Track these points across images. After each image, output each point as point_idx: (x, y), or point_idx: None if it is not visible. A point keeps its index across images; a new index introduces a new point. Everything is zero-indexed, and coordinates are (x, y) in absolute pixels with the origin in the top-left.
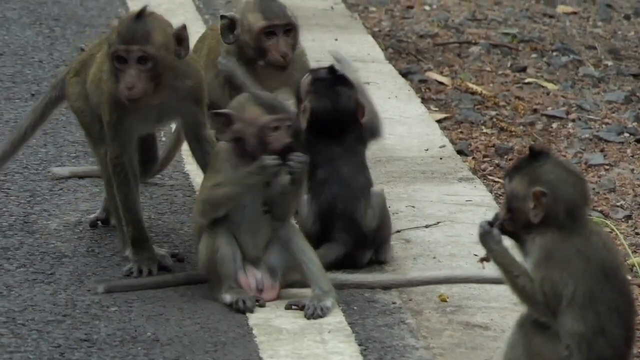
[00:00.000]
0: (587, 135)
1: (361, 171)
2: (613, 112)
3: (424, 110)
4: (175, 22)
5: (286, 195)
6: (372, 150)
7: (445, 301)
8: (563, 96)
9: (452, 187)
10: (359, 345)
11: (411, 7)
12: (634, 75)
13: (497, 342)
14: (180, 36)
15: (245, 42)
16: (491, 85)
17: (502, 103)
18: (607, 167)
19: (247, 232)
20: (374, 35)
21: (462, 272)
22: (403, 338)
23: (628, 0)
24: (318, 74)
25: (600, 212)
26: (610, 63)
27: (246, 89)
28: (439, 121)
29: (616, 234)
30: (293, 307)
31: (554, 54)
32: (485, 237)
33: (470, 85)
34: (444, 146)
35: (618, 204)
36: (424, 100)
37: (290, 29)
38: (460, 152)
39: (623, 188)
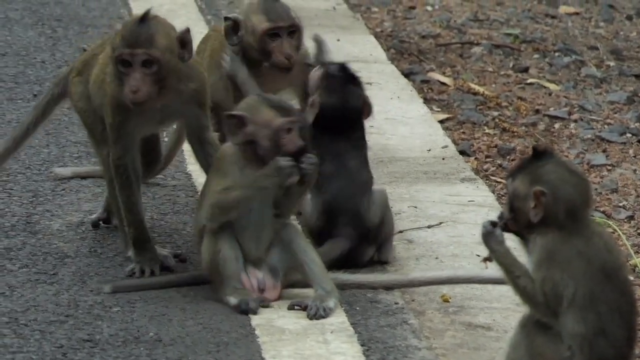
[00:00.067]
0: (589, 136)
1: (365, 167)
2: (615, 113)
3: (426, 111)
4: (178, 23)
5: (295, 196)
6: (375, 151)
7: (448, 302)
8: (565, 97)
9: (455, 188)
10: (362, 345)
11: (413, 8)
12: (636, 76)
13: (500, 343)
14: (184, 39)
15: (249, 44)
16: (493, 85)
17: (504, 103)
18: (609, 167)
19: (250, 233)
20: (376, 36)
21: (464, 272)
22: (405, 338)
23: (630, 1)
24: (330, 69)
25: (603, 212)
26: (612, 63)
27: (245, 90)
28: (441, 122)
29: (619, 235)
30: (296, 307)
31: (556, 54)
32: (487, 237)
33: (473, 85)
34: (446, 147)
35: (620, 204)
36: (426, 101)
37: (294, 30)
38: (462, 153)
39: (625, 188)
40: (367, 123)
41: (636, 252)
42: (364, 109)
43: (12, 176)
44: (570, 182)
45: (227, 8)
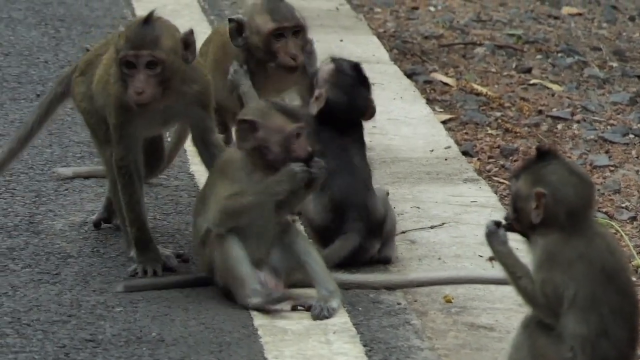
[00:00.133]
0: (592, 137)
1: (366, 163)
2: (618, 114)
3: (429, 111)
4: (181, 23)
5: (299, 199)
6: (377, 151)
7: (450, 302)
8: (568, 97)
9: (457, 188)
10: (364, 346)
11: (416, 8)
12: (639, 77)
13: (502, 343)
14: (188, 40)
15: (254, 45)
16: (496, 86)
17: (507, 104)
18: (612, 168)
19: (251, 235)
20: (379, 36)
21: (466, 272)
22: (408, 339)
23: (633, 2)
24: (342, 66)
25: (605, 213)
26: (615, 64)
27: (246, 101)
28: (444, 122)
29: (621, 236)
30: (299, 307)
31: (559, 55)
32: (490, 237)
33: (475, 86)
34: (449, 147)
35: (623, 205)
36: (429, 101)
37: (298, 30)
38: (465, 153)
39: (628, 189)
40: (369, 123)
41: (639, 253)
42: (368, 111)
43: (15, 176)
44: (571, 183)
45: (230, 8)
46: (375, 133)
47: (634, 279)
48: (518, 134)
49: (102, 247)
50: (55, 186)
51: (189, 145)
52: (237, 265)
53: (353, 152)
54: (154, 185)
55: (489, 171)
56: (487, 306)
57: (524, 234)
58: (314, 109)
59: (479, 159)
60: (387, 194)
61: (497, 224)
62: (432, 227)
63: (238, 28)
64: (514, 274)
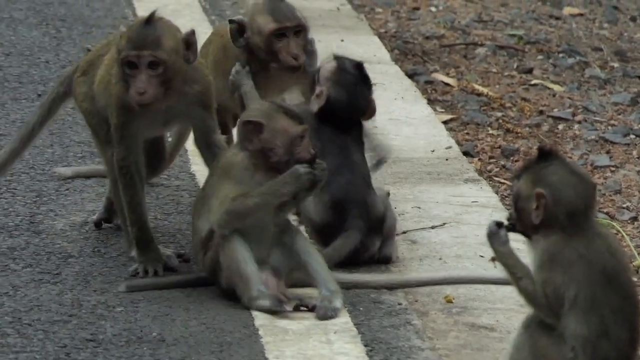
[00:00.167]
0: (593, 137)
1: (365, 161)
2: (619, 114)
3: (430, 112)
4: (182, 23)
5: (300, 200)
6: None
7: (451, 302)
8: (569, 98)
9: (458, 188)
10: (365, 346)
11: (417, 9)
12: None
13: (503, 344)
14: (189, 41)
15: (255, 45)
16: (497, 86)
17: (508, 104)
18: (613, 168)
19: (252, 235)
20: (380, 37)
21: (467, 272)
22: (409, 339)
23: (634, 2)
24: (344, 64)
25: (606, 213)
26: (616, 65)
27: (247, 101)
28: (445, 122)
29: (622, 236)
30: (302, 308)
31: (560, 55)
32: (491, 237)
33: (477, 86)
34: (450, 147)
35: (624, 205)
36: (430, 102)
37: (300, 30)
38: (466, 154)
39: (629, 190)
40: (369, 123)
41: None
42: (368, 110)
43: (16, 176)
44: (572, 184)
45: (232, 8)
46: (377, 133)
47: (635, 279)
48: (519, 135)
49: (103, 247)
50: (56, 186)
51: (189, 146)
52: (242, 265)
53: (353, 150)
54: (155, 185)
55: (489, 171)
56: (488, 306)
57: (526, 234)
58: (315, 106)
59: (480, 159)
60: (388, 194)
61: (499, 224)
62: (433, 227)
63: (239, 29)
64: (515, 274)
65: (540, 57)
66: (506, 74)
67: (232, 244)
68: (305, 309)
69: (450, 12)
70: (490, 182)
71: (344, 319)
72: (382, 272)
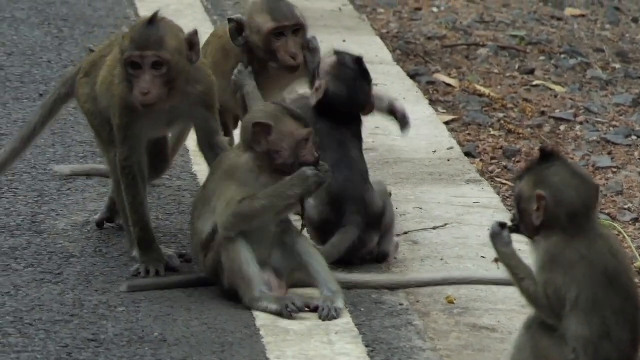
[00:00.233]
0: (594, 138)
1: (363, 157)
2: (620, 115)
3: (431, 112)
4: (184, 23)
5: (302, 201)
6: (380, 152)
7: (452, 303)
8: (571, 98)
9: (460, 189)
10: (366, 346)
11: (419, 9)
12: None
13: (504, 344)
14: (192, 41)
15: (254, 44)
16: (499, 87)
17: (509, 105)
18: (614, 169)
19: (255, 236)
20: (382, 37)
21: (468, 273)
22: (410, 339)
23: (636, 3)
24: (344, 58)
25: (608, 214)
26: (618, 66)
27: (249, 101)
28: (446, 123)
29: (623, 237)
30: (305, 308)
31: (562, 56)
32: (494, 238)
33: (478, 87)
34: (451, 148)
35: (625, 206)
36: (432, 102)
37: (298, 28)
38: (467, 154)
39: (630, 191)
40: (371, 123)
41: None
42: (367, 105)
43: (18, 175)
44: (573, 186)
45: (233, 8)
46: (378, 133)
47: (636, 280)
48: (520, 135)
49: (105, 247)
50: (57, 185)
51: (191, 146)
52: (244, 266)
53: (351, 145)
54: (156, 185)
55: (491, 172)
56: (489, 307)
57: (528, 235)
58: (313, 99)
59: (481, 160)
60: (390, 194)
61: (502, 225)
62: (434, 228)
63: (238, 28)
64: (517, 275)
65: (541, 57)
66: (508, 74)
67: (234, 245)
68: (307, 309)
69: (451, 12)
70: (492, 183)
71: (345, 319)
72: (383, 273)
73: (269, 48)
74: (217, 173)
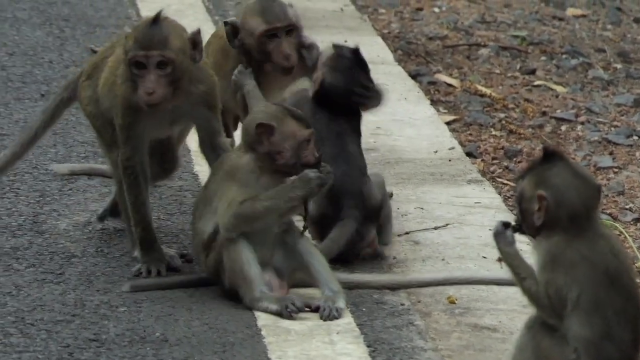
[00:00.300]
0: (596, 138)
1: (361, 151)
2: (622, 115)
3: (433, 112)
4: (185, 23)
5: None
6: (382, 152)
7: (454, 303)
8: (572, 99)
9: (461, 189)
10: (368, 346)
11: (421, 9)
12: None
13: (506, 344)
14: (195, 40)
15: (249, 46)
16: (500, 87)
17: (511, 105)
18: (616, 170)
19: (257, 237)
20: (384, 37)
21: (470, 273)
22: (411, 340)
23: (638, 4)
24: (341, 50)
25: (609, 214)
26: (619, 66)
27: (249, 100)
28: (448, 123)
29: (625, 237)
30: (306, 309)
31: (564, 56)
32: (497, 237)
33: (480, 87)
34: (453, 148)
35: (627, 206)
36: (433, 102)
37: (291, 29)
38: (469, 154)
39: (632, 191)
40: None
41: None
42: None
43: (19, 176)
44: (575, 187)
45: (235, 9)
46: (380, 134)
47: (638, 280)
48: (522, 135)
49: (106, 247)
50: (59, 186)
51: (192, 146)
52: (245, 267)
53: (349, 140)
54: (158, 186)
55: (492, 172)
56: (491, 307)
57: (530, 234)
58: (311, 91)
59: (482, 160)
60: (391, 194)
61: (506, 224)
62: (435, 228)
63: (233, 30)
64: (519, 274)
65: (543, 58)
66: (509, 74)
67: (236, 245)
68: (309, 309)
69: (453, 12)
70: (493, 183)
71: (346, 320)
72: (385, 273)
73: (262, 50)
74: (218, 174)
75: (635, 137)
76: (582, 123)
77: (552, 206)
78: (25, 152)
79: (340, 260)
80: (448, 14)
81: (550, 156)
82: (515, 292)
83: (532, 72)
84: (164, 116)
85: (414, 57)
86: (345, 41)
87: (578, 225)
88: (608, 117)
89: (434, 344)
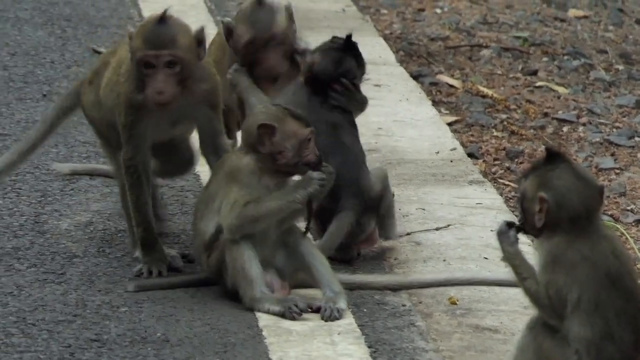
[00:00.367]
0: (597, 139)
1: (358, 142)
2: (624, 116)
3: (434, 113)
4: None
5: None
6: (383, 153)
7: (455, 304)
8: (574, 100)
9: (463, 190)
10: (369, 347)
11: (422, 10)
12: None
13: (507, 345)
14: (200, 38)
15: (238, 51)
16: (502, 88)
17: (512, 106)
18: (617, 171)
19: (259, 237)
20: (386, 38)
21: (471, 274)
22: (413, 340)
23: (639, 5)
24: (335, 39)
25: (611, 216)
26: (621, 67)
27: (246, 98)
28: (449, 124)
29: (626, 238)
30: (307, 309)
31: (565, 57)
32: (500, 237)
33: (481, 88)
34: (454, 149)
35: (628, 208)
36: (435, 103)
37: (278, 38)
38: (470, 155)
39: (633, 192)
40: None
41: None
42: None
43: (21, 176)
44: (576, 189)
45: (237, 9)
46: (381, 135)
47: (639, 282)
48: (524, 137)
49: (108, 247)
50: (61, 186)
51: (193, 146)
52: (247, 267)
53: (344, 132)
54: (159, 186)
55: (494, 173)
56: (492, 308)
57: (533, 235)
58: (301, 76)
59: (484, 161)
60: (393, 195)
61: (509, 224)
62: (437, 229)
63: (228, 31)
64: (521, 274)
65: (545, 59)
66: (511, 75)
67: (238, 245)
68: (310, 310)
69: (455, 13)
70: (495, 184)
71: (348, 320)
72: (386, 274)
73: (248, 58)
74: (219, 175)
75: (637, 139)
76: (584, 124)
77: (553, 208)
78: (22, 161)
79: (343, 260)
80: (450, 15)
81: (553, 157)
82: (516, 293)
83: (534, 73)
84: (167, 115)
85: (416, 58)
86: None
87: (579, 227)
88: (610, 118)
89: (435, 345)
